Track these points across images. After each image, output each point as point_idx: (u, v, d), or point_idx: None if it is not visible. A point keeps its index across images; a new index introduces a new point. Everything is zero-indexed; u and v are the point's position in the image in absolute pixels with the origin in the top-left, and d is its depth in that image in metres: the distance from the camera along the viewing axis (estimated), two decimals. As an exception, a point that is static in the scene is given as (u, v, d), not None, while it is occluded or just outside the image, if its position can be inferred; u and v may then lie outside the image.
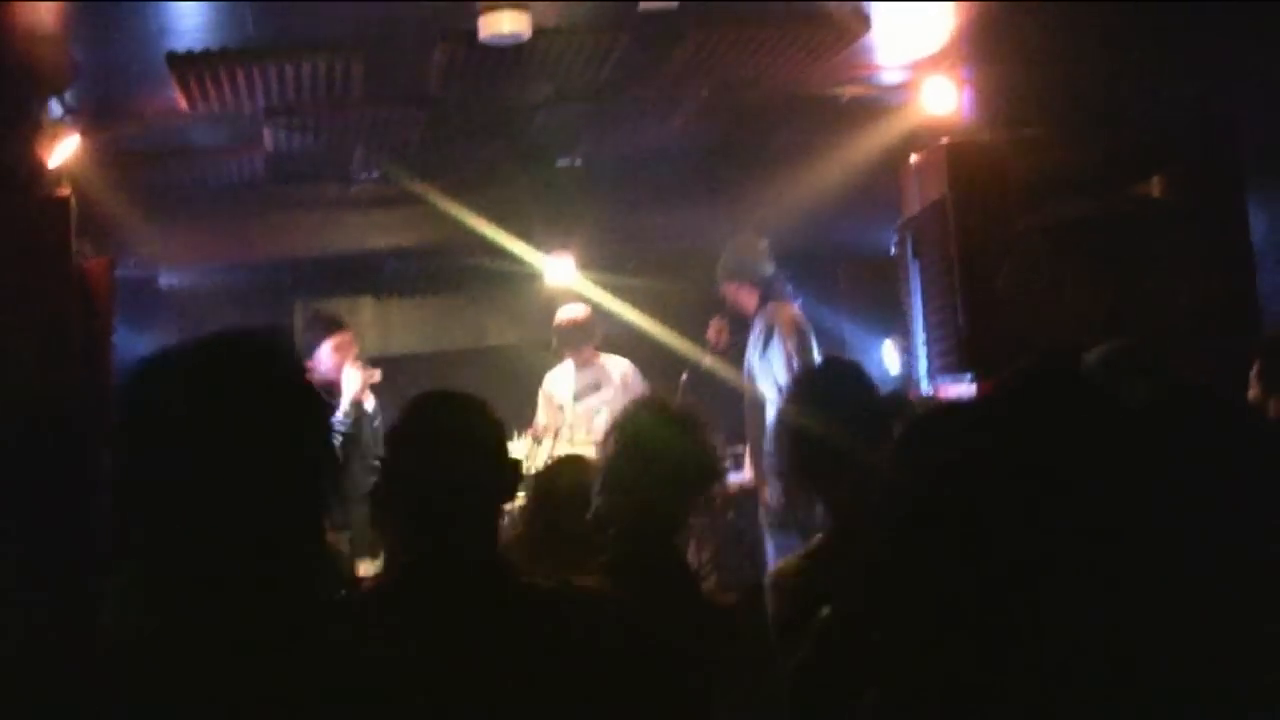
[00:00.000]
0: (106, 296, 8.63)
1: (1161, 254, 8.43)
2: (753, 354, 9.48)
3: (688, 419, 4.51)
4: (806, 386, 4.71)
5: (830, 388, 4.44)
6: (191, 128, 8.94)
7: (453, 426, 3.61)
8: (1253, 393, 5.66)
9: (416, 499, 3.49)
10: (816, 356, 9.28)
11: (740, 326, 9.78)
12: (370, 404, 9.20)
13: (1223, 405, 2.93)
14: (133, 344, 9.64)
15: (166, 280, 11.99)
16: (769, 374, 9.27)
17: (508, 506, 3.98)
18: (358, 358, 9.22)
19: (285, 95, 8.35)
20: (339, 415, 8.86)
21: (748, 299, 9.64)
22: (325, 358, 9.16)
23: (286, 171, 10.31)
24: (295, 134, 9.23)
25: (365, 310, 12.57)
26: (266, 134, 9.19)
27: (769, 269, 9.61)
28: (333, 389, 8.95)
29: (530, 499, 5.40)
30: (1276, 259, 8.71)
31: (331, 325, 9.37)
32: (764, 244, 9.70)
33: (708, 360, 9.94)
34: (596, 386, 10.38)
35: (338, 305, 12.52)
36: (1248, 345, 6.17)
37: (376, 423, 9.13)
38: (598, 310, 10.66)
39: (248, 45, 7.49)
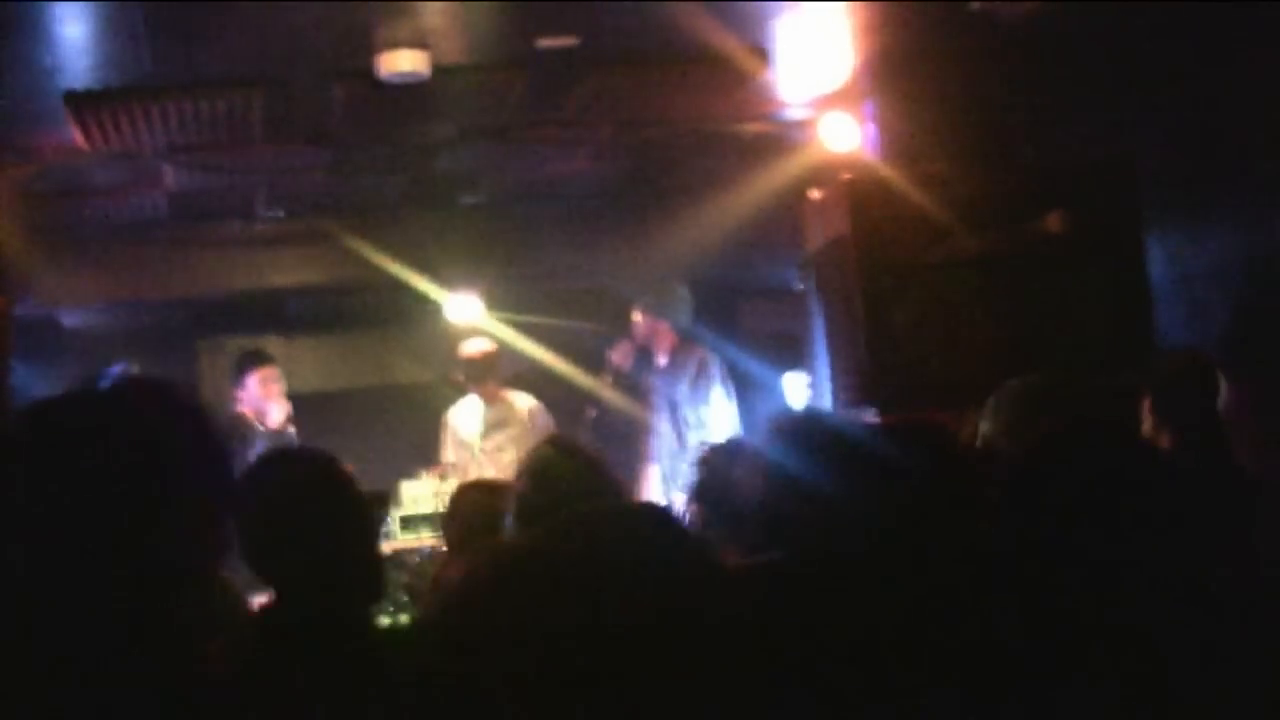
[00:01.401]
0: (3, 336, 8.55)
1: (1061, 289, 8.49)
2: (682, 386, 9.59)
3: (593, 456, 4.57)
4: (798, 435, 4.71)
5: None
6: (92, 166, 8.87)
7: (297, 486, 3.66)
8: (1146, 426, 5.71)
9: (262, 554, 3.56)
10: (726, 400, 9.52)
11: (644, 356, 9.85)
12: (292, 434, 9.53)
13: (1121, 437, 2.99)
14: (33, 383, 9.56)
15: (69, 319, 11.87)
16: (696, 408, 9.43)
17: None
18: (282, 392, 9.68)
19: (186, 133, 8.29)
20: (260, 445, 8.98)
21: (663, 337, 9.77)
22: (252, 390, 9.60)
23: (189, 209, 10.24)
24: (196, 172, 9.18)
25: (270, 348, 12.46)
26: (167, 172, 9.13)
27: (687, 316, 9.78)
28: (258, 419, 9.49)
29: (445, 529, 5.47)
30: (1172, 295, 8.81)
31: (258, 359, 9.83)
32: (684, 288, 9.86)
33: (608, 382, 9.97)
34: (503, 423, 10.36)
35: (241, 343, 12.46)
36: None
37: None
38: (504, 347, 10.65)
39: (146, 83, 7.43)
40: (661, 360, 9.94)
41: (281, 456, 4.09)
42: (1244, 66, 7.94)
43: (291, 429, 9.59)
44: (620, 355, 10.05)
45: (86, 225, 10.33)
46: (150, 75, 7.34)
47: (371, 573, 3.69)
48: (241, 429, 9.37)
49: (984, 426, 4.91)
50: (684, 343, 9.88)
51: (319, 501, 3.61)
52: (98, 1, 6.36)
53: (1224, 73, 8.03)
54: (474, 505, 5.32)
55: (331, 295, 12.10)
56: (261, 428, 9.45)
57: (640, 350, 10.01)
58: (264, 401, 9.56)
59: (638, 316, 9.91)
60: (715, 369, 9.76)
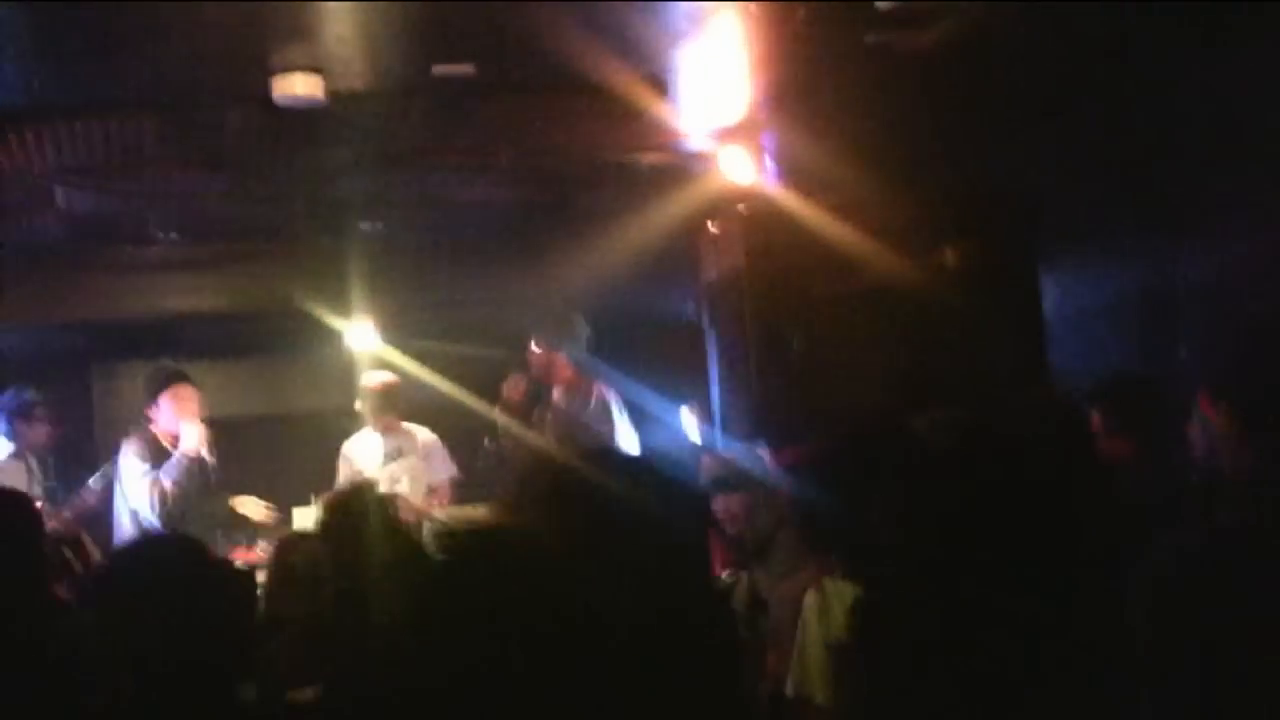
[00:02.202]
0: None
1: (956, 321, 8.54)
2: (581, 420, 9.54)
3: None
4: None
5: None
6: (-17, 187, 8.75)
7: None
8: (1103, 444, 5.73)
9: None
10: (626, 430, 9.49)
11: (538, 389, 9.80)
12: (209, 461, 9.22)
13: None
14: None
15: (-39, 343, 11.72)
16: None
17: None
18: (197, 413, 9.29)
19: (79, 155, 8.20)
20: (172, 465, 8.99)
21: (560, 370, 9.69)
22: (165, 409, 9.24)
23: (83, 232, 10.12)
24: (88, 195, 9.07)
25: (164, 373, 12.38)
26: (60, 194, 9.02)
27: (582, 349, 9.71)
28: (170, 442, 9.17)
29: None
30: (1065, 330, 8.89)
31: (171, 376, 9.46)
32: (580, 319, 9.80)
33: (499, 416, 9.90)
34: (399, 454, 10.30)
35: (135, 368, 12.33)
36: (1038, 414, 6.23)
37: (214, 478, 9.29)
38: (402, 376, 10.60)
39: (36, 104, 7.35)
40: (556, 393, 9.88)
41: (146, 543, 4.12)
42: (1144, 102, 8.03)
43: (208, 456, 9.23)
44: (512, 388, 9.98)
45: (-22, 247, 10.20)
46: (44, 96, 7.25)
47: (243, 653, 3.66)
48: (153, 451, 9.17)
49: None
50: (581, 375, 9.82)
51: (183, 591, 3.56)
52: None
53: (1125, 107, 8.12)
54: (306, 555, 5.36)
55: (228, 321, 11.99)
56: (174, 451, 9.12)
57: (534, 383, 9.95)
58: (178, 423, 9.18)
59: (535, 348, 9.84)
60: (614, 401, 9.72)
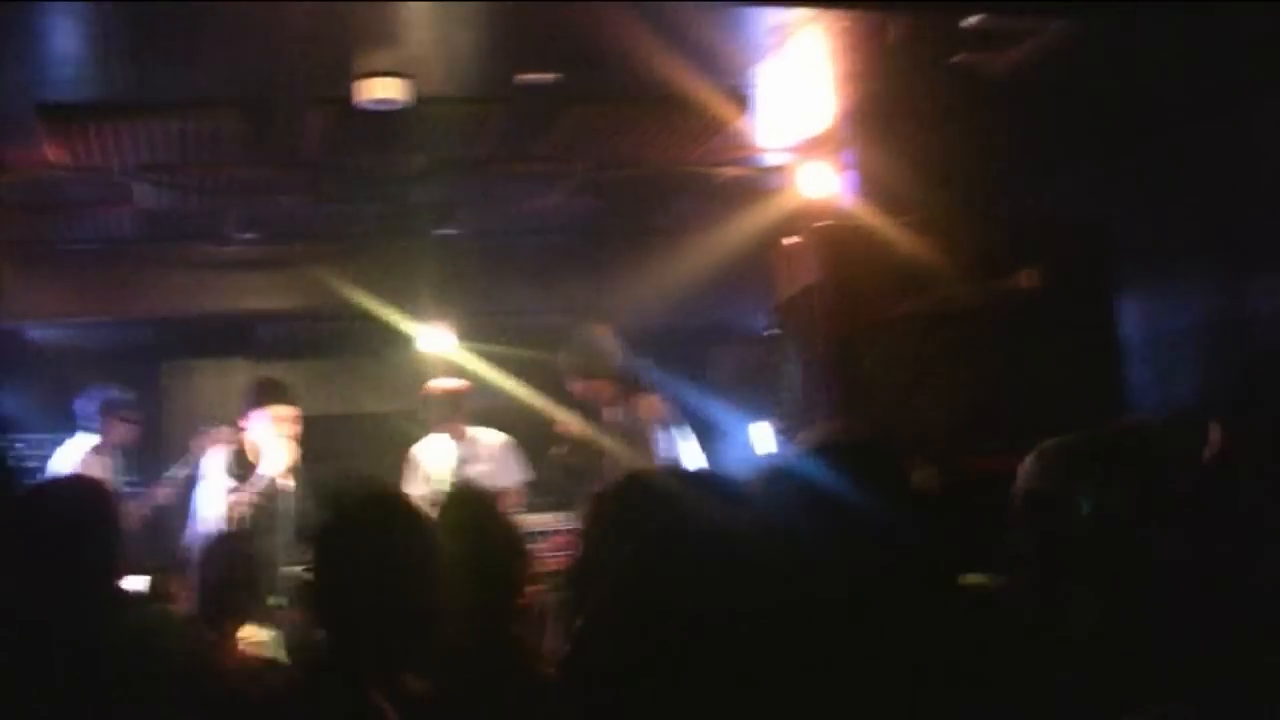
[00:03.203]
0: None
1: (1032, 346, 8.46)
2: (623, 437, 9.42)
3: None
4: None
5: None
6: (62, 181, 8.79)
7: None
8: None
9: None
10: (684, 442, 9.31)
11: (594, 418, 9.69)
12: (288, 487, 8.73)
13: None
14: (-2, 398, 9.57)
15: (35, 334, 11.80)
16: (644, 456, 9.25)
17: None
18: (294, 436, 8.88)
19: (158, 152, 8.24)
20: (253, 481, 8.64)
21: (602, 392, 9.46)
22: (258, 422, 8.82)
23: (159, 229, 10.19)
24: (167, 192, 9.12)
25: (236, 373, 12.37)
26: (138, 191, 9.07)
27: (620, 359, 9.45)
28: (255, 458, 8.77)
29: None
30: (1142, 355, 8.81)
31: (274, 393, 8.98)
32: (610, 336, 9.51)
33: (565, 454, 9.78)
34: (473, 459, 10.27)
35: (207, 367, 12.38)
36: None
37: (292, 501, 8.65)
38: (473, 381, 10.57)
39: (121, 100, 7.39)
40: (606, 414, 9.73)
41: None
42: (1223, 130, 7.97)
43: (290, 482, 8.73)
44: (565, 430, 9.82)
45: (55, 240, 10.28)
46: (125, 92, 7.29)
47: None
48: (239, 465, 8.82)
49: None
50: (627, 390, 9.59)
51: None
52: (77, 16, 6.31)
53: (1202, 135, 8.06)
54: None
55: (301, 322, 12.04)
56: (258, 466, 8.72)
57: (586, 415, 9.81)
58: (267, 442, 8.75)
59: (573, 383, 9.64)
60: (663, 413, 9.55)
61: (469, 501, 4.54)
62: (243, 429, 8.98)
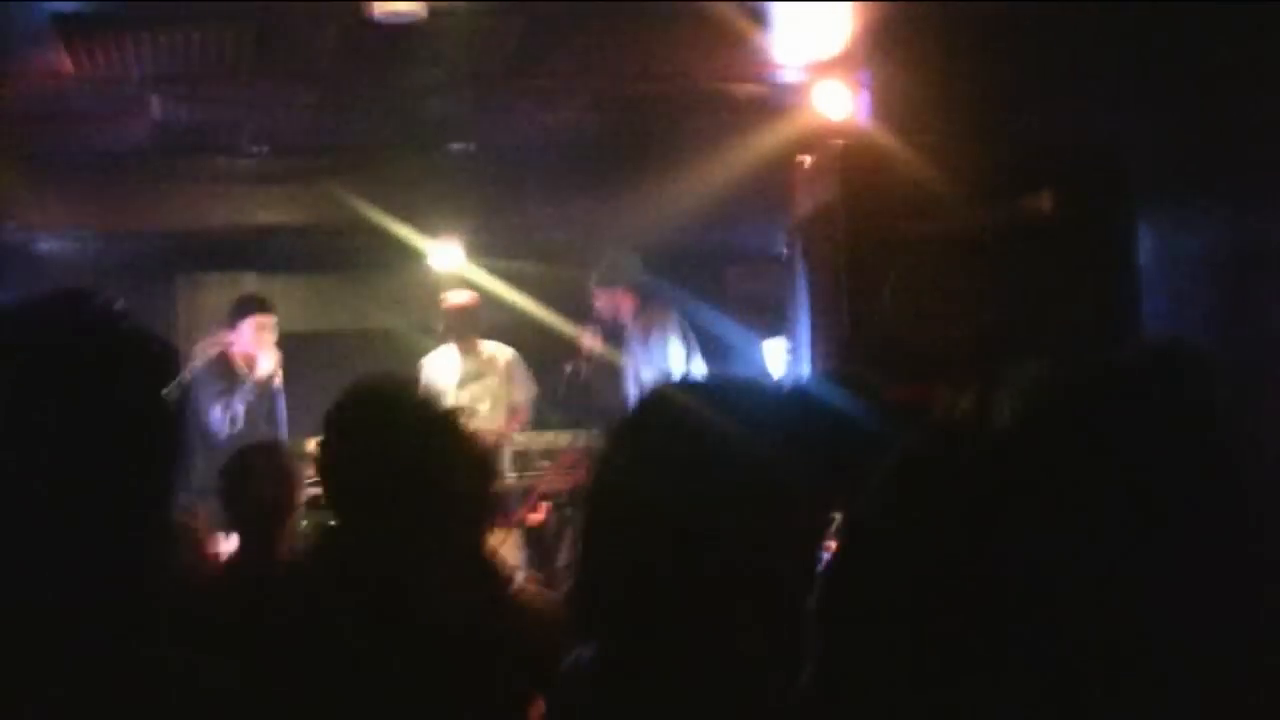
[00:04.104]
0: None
1: (1048, 270, 8.44)
2: (638, 352, 9.50)
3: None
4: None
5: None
6: (77, 92, 8.76)
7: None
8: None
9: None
10: (693, 357, 9.38)
11: (613, 333, 9.78)
12: (278, 385, 9.66)
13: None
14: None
15: (46, 246, 11.77)
16: (653, 366, 9.33)
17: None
18: (274, 341, 9.69)
19: (174, 64, 8.21)
20: (246, 389, 9.43)
21: (623, 304, 9.67)
22: (245, 335, 9.61)
23: (172, 142, 10.14)
24: (182, 104, 9.09)
25: (247, 286, 12.36)
26: (153, 102, 9.04)
27: (642, 276, 9.66)
28: (246, 365, 9.56)
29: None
30: (1160, 281, 8.77)
31: (258, 305, 9.80)
32: (636, 254, 9.76)
33: (583, 367, 9.89)
34: (480, 375, 10.30)
35: (219, 279, 12.37)
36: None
37: (282, 401, 9.66)
38: (485, 296, 10.59)
39: (137, 10, 7.35)
40: (631, 327, 9.87)
41: None
42: (1243, 54, 7.90)
43: (278, 380, 9.64)
44: (590, 339, 9.98)
45: (69, 152, 10.24)
46: (141, 4, 7.25)
47: None
48: (227, 372, 9.49)
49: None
50: (645, 305, 9.79)
51: None
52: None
53: (1223, 59, 8.00)
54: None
55: (312, 236, 11.99)
56: (247, 373, 9.51)
57: (611, 325, 9.95)
58: (256, 349, 9.57)
59: (597, 295, 9.84)
60: (671, 326, 9.69)
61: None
62: (230, 342, 9.67)
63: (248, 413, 9.35)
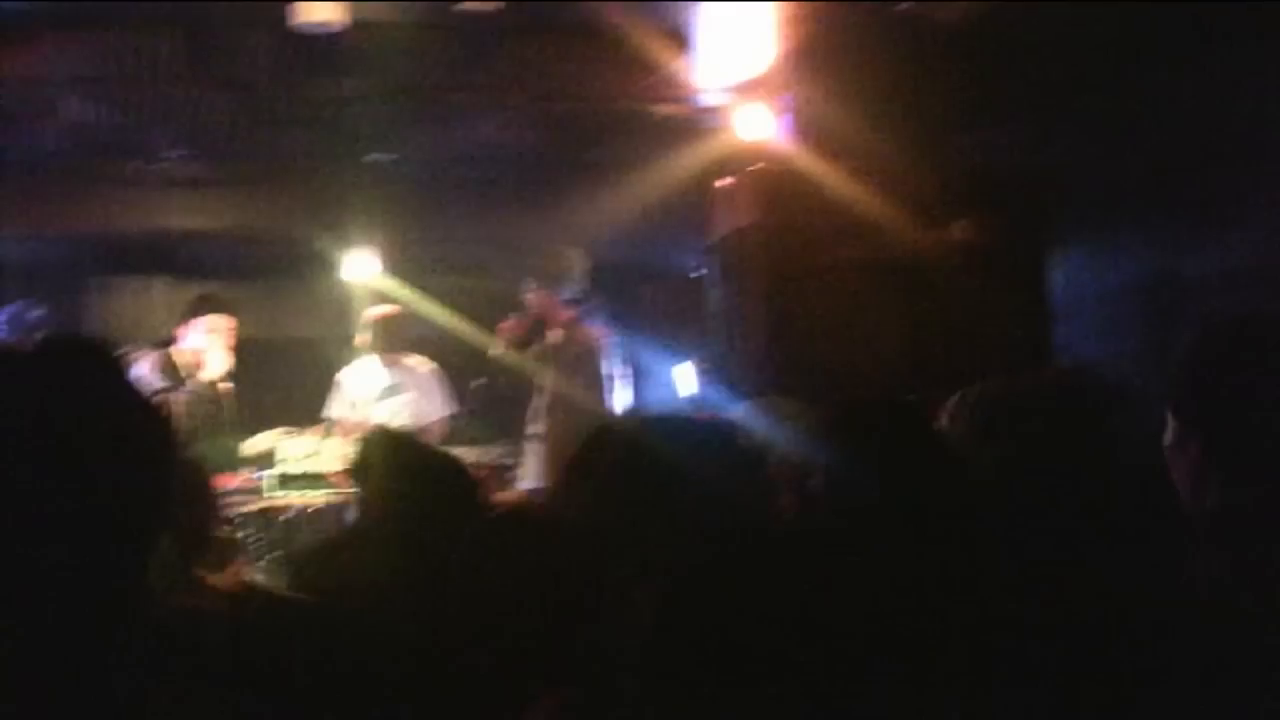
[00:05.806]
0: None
1: (964, 295, 8.50)
2: (564, 370, 9.38)
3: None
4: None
5: None
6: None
7: None
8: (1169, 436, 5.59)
9: None
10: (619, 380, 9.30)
11: (537, 331, 9.65)
12: (226, 390, 9.25)
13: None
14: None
15: (-45, 248, 11.63)
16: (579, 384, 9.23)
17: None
18: (229, 345, 9.31)
19: (91, 66, 8.13)
20: (187, 389, 9.02)
21: (555, 311, 9.44)
22: (197, 334, 9.22)
23: (85, 144, 10.03)
24: (98, 106, 9.00)
25: (157, 292, 12.28)
26: (68, 104, 8.95)
27: (582, 288, 9.45)
28: (191, 367, 9.16)
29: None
30: (1070, 312, 8.86)
31: (214, 305, 9.41)
32: (582, 262, 9.51)
33: (500, 351, 9.71)
34: (399, 389, 10.22)
35: (132, 285, 12.26)
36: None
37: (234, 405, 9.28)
38: (401, 308, 10.54)
39: (58, 11, 7.28)
40: (553, 334, 9.69)
41: None
42: (1170, 86, 7.98)
43: (227, 385, 9.25)
44: (511, 326, 9.81)
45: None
46: (60, 4, 7.19)
47: None
48: (170, 372, 9.14)
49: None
50: (579, 317, 9.61)
51: None
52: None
53: (1150, 90, 8.07)
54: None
55: (226, 243, 11.91)
56: (193, 374, 9.13)
57: (534, 324, 9.78)
58: (206, 350, 9.18)
59: (530, 291, 9.65)
60: (607, 350, 9.53)
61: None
62: (176, 339, 9.26)
63: (189, 416, 8.85)
